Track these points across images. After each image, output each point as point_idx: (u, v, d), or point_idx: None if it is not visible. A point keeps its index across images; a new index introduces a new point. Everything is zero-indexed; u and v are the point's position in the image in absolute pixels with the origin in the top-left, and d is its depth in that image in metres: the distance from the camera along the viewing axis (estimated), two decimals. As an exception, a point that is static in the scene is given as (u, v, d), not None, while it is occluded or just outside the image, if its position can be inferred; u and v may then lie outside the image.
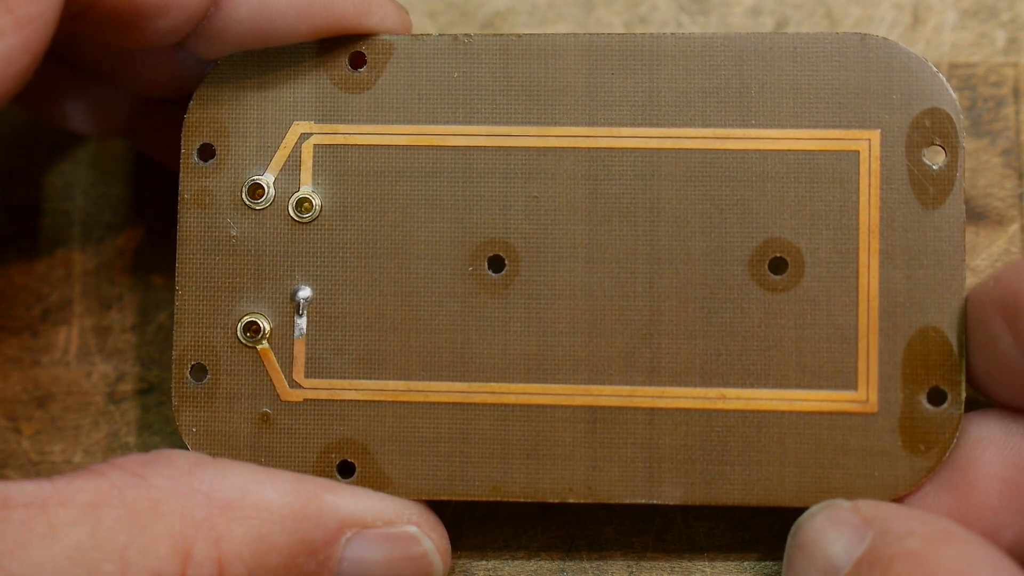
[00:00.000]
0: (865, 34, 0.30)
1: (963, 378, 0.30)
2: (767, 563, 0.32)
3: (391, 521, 0.29)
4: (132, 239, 0.36)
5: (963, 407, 0.30)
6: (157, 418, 0.34)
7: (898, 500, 0.30)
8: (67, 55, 0.32)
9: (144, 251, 0.35)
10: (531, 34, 0.31)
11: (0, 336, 0.35)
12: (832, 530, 0.28)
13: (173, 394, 0.31)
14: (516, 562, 0.33)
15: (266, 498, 0.27)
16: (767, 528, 0.32)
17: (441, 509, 0.31)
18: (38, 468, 0.34)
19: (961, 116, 0.30)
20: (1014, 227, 0.34)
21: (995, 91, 0.35)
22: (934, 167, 0.30)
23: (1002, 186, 0.34)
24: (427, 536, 0.29)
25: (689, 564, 0.32)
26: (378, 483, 0.30)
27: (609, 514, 0.33)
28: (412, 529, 0.29)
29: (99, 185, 0.36)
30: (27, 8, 0.26)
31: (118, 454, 0.33)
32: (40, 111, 0.34)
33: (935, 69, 0.30)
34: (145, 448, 0.34)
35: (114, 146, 0.36)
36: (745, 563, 0.32)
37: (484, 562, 0.33)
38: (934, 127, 0.30)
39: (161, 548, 0.26)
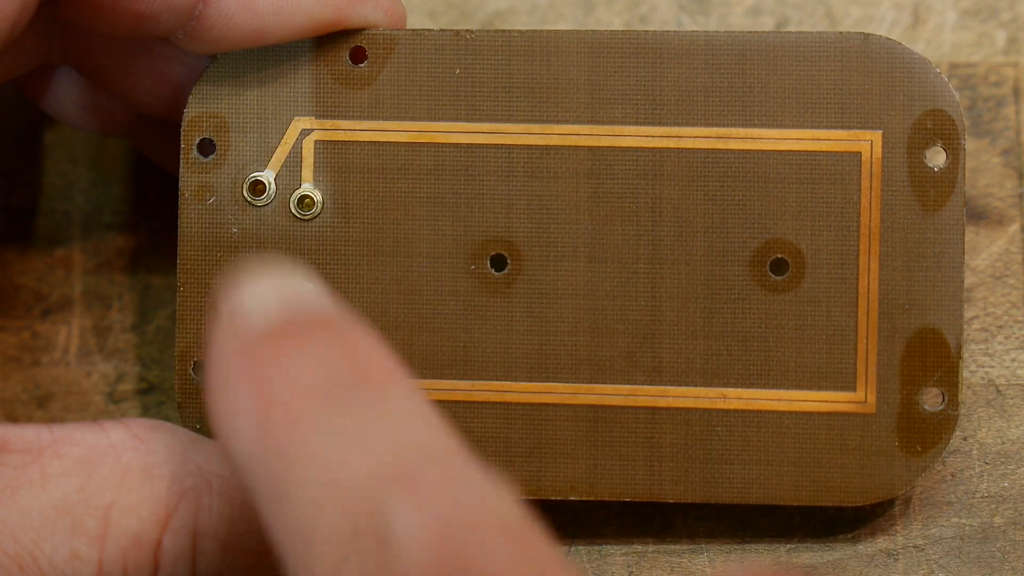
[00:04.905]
0: (868, 34, 0.30)
1: (960, 379, 0.30)
2: (766, 564, 0.32)
3: None
4: (132, 239, 0.36)
5: (959, 408, 0.30)
6: (157, 418, 0.34)
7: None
8: (70, 60, 0.32)
9: (144, 251, 0.35)
10: (533, 30, 0.31)
11: (0, 336, 0.35)
12: None
13: (176, 391, 0.31)
14: (516, 562, 0.33)
15: None
16: (767, 528, 0.32)
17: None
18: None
19: (963, 117, 0.30)
20: (1014, 227, 0.34)
21: (995, 91, 0.35)
22: (935, 169, 0.30)
23: (1002, 186, 0.34)
24: None
25: (689, 564, 0.32)
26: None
27: (609, 514, 0.33)
28: None
29: (99, 185, 0.36)
30: None
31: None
32: (43, 104, 0.34)
33: (938, 69, 0.30)
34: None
35: (114, 146, 0.36)
36: (745, 563, 0.32)
37: (484, 562, 0.33)
38: (936, 128, 0.30)
39: (144, 510, 0.26)
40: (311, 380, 0.23)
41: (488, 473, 0.22)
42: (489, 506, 0.22)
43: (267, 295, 0.24)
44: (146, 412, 0.34)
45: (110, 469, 0.26)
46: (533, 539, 0.21)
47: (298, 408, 0.22)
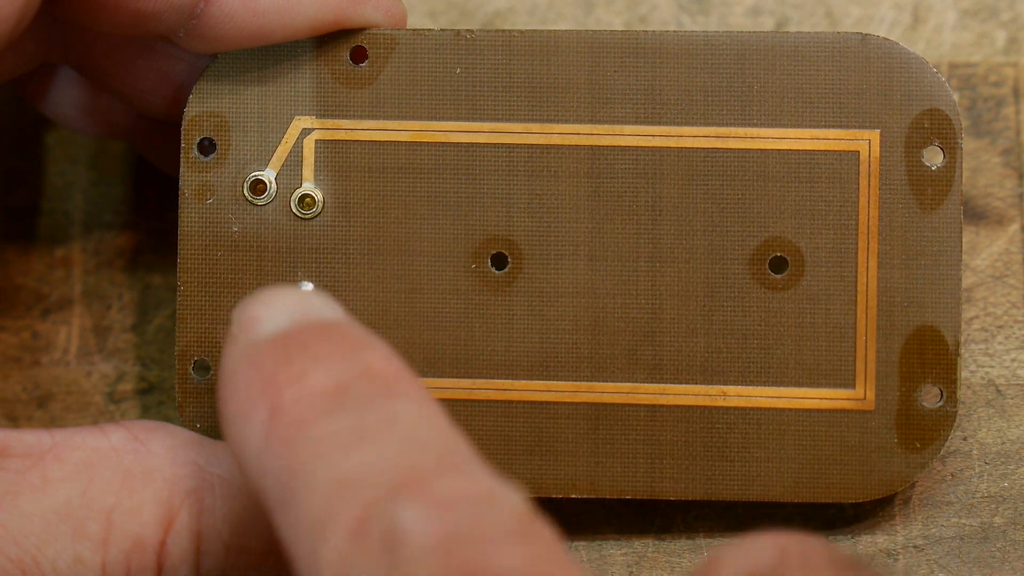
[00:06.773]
0: (866, 34, 0.31)
1: (959, 376, 0.30)
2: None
3: None
4: (132, 239, 0.36)
5: (958, 404, 0.30)
6: (157, 418, 0.34)
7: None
8: (71, 60, 0.32)
9: (144, 251, 0.35)
10: (533, 30, 0.31)
11: (0, 336, 0.35)
12: None
13: (176, 390, 0.31)
14: (516, 562, 0.33)
15: None
16: (767, 528, 0.32)
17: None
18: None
19: (960, 117, 0.30)
20: (1014, 227, 0.34)
21: (995, 91, 0.35)
22: (932, 168, 0.30)
23: (1002, 186, 0.34)
24: None
25: (689, 564, 0.32)
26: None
27: (609, 514, 0.33)
28: None
29: (99, 185, 0.36)
30: None
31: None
32: (42, 107, 0.34)
33: (935, 69, 0.30)
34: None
35: (114, 146, 0.36)
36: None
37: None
38: (933, 128, 0.30)
39: (146, 513, 0.26)
40: (320, 384, 0.23)
41: (498, 477, 0.22)
42: (498, 510, 0.22)
43: (278, 305, 0.25)
44: (146, 412, 0.34)
45: (111, 472, 0.26)
46: (543, 542, 0.21)
47: (307, 411, 0.23)
